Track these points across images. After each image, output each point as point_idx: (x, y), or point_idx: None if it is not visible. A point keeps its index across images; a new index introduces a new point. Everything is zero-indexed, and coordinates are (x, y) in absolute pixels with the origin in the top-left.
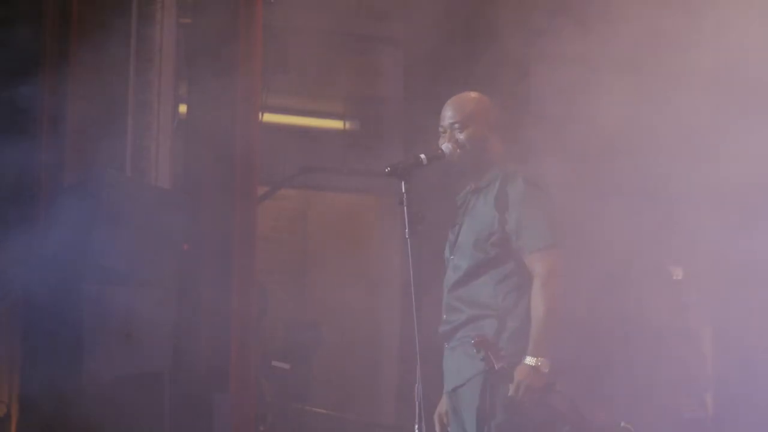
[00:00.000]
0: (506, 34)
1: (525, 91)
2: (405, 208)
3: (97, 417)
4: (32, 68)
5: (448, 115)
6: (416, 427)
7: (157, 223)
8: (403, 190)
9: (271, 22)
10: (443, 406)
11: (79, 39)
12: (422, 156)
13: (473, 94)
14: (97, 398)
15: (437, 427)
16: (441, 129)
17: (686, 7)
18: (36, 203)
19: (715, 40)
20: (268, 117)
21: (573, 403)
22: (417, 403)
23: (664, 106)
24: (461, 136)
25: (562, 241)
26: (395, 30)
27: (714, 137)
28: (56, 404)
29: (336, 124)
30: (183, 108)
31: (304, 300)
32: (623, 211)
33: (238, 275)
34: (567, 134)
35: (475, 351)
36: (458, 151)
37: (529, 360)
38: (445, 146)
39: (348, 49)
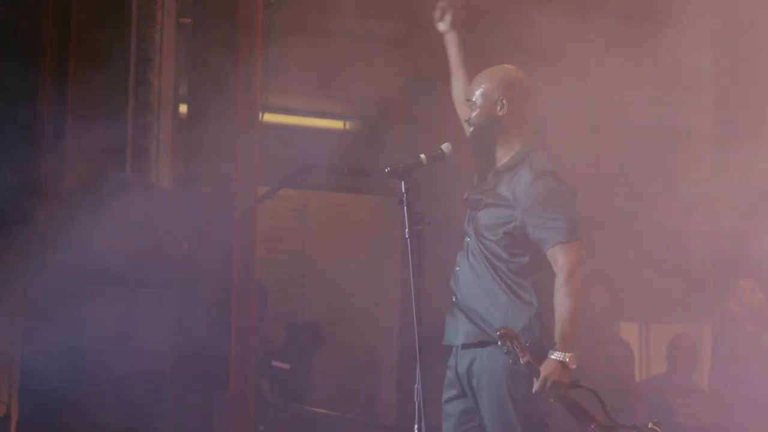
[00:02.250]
0: (507, 34)
1: None
2: (405, 208)
3: (98, 417)
4: (32, 68)
5: (470, 91)
6: (416, 427)
7: (157, 223)
8: (403, 190)
9: (271, 22)
10: None
11: (79, 39)
12: (422, 156)
13: (491, 71)
14: (97, 398)
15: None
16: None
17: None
18: (36, 204)
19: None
20: (268, 117)
21: (599, 400)
22: (417, 403)
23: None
24: (473, 115)
25: (580, 235)
26: (395, 30)
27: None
28: (56, 404)
29: (336, 124)
30: (183, 108)
31: (304, 300)
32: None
33: (238, 275)
34: (569, 134)
35: (499, 344)
36: (470, 130)
37: (557, 355)
38: (445, 146)
39: (348, 49)
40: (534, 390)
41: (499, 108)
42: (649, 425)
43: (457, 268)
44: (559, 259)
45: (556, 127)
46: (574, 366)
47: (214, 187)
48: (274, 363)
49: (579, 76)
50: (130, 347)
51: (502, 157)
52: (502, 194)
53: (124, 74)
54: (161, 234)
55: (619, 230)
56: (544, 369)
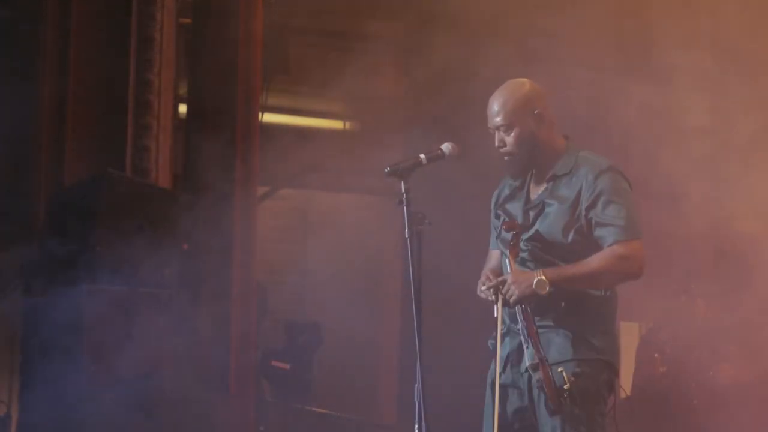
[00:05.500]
0: (507, 33)
1: None
2: (405, 208)
3: (97, 417)
4: (32, 68)
5: (492, 114)
6: (416, 427)
7: (157, 223)
8: (403, 190)
9: (271, 22)
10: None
11: (79, 39)
12: (422, 156)
13: (511, 89)
14: (97, 399)
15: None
16: (490, 129)
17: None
18: (36, 203)
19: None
20: (268, 117)
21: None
22: (417, 403)
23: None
24: (509, 140)
25: (641, 233)
26: (395, 30)
27: None
28: (56, 405)
29: (336, 124)
30: (183, 108)
31: (304, 300)
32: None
33: (238, 275)
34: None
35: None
36: (508, 157)
37: (537, 272)
38: (445, 146)
39: (348, 49)
40: (496, 282)
41: (534, 122)
42: (560, 369)
43: None
44: (619, 250)
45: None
46: (541, 291)
47: (214, 186)
48: (274, 363)
49: (577, 76)
50: (130, 347)
51: (547, 165)
52: (563, 195)
53: (124, 74)
54: (161, 234)
55: None
56: (515, 271)
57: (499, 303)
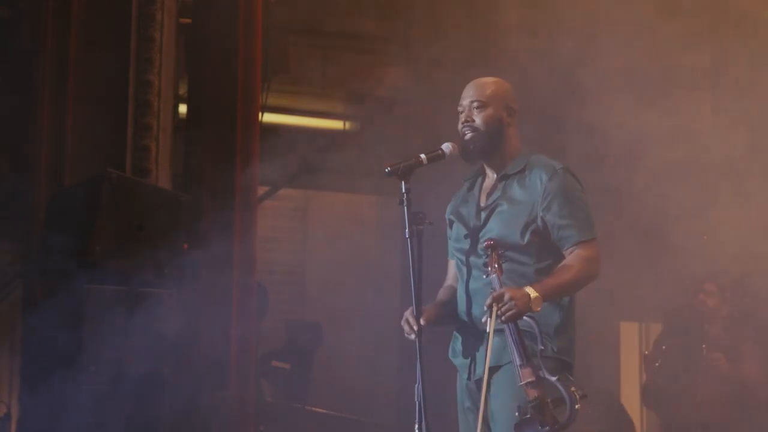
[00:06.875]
0: (507, 33)
1: (525, 91)
2: (405, 208)
3: (97, 418)
4: (32, 68)
5: (468, 94)
6: (416, 427)
7: (157, 223)
8: (403, 190)
9: (271, 22)
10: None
11: (79, 39)
12: (422, 156)
13: (494, 78)
14: (97, 399)
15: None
16: (460, 109)
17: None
18: (36, 203)
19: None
20: (268, 117)
21: (540, 335)
22: (417, 403)
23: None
24: (478, 117)
25: (595, 233)
26: (395, 30)
27: None
28: (56, 405)
29: (336, 124)
30: (183, 108)
31: (304, 300)
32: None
33: (238, 275)
34: (567, 134)
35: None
36: (472, 133)
37: (528, 289)
38: (445, 146)
39: (348, 49)
40: (491, 297)
41: (506, 113)
42: (572, 388)
43: (463, 295)
44: (581, 253)
45: (559, 131)
46: (536, 308)
47: (214, 186)
48: (274, 363)
49: (578, 78)
50: (130, 346)
51: (501, 163)
52: (516, 196)
53: (124, 74)
54: (161, 235)
55: (620, 230)
56: (510, 288)
57: (493, 318)
